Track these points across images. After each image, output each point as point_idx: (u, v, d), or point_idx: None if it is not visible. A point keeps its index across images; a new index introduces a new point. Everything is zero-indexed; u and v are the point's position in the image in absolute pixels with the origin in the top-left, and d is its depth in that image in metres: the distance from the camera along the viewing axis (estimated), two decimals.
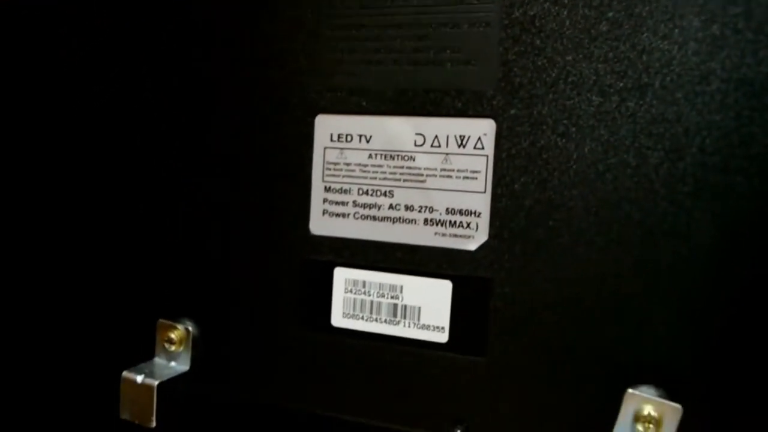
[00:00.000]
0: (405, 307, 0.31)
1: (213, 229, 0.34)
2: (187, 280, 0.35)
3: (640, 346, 0.28)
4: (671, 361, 0.27)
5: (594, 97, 0.28)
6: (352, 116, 0.31)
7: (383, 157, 0.31)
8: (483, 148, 0.29)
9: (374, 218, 0.31)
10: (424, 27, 0.30)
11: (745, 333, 0.26)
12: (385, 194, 0.31)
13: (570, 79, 0.28)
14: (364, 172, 0.31)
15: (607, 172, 0.28)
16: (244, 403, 0.35)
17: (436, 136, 0.30)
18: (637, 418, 0.27)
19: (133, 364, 0.34)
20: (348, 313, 0.32)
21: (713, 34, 0.26)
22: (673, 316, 0.27)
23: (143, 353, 0.35)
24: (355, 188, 0.32)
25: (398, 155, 0.31)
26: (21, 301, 0.39)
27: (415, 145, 0.30)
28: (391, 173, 0.31)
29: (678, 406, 0.26)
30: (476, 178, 0.30)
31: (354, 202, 0.32)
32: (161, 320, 0.35)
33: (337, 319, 0.32)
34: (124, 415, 0.33)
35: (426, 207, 0.30)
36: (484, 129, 0.29)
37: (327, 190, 0.32)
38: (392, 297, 0.31)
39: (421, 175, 0.30)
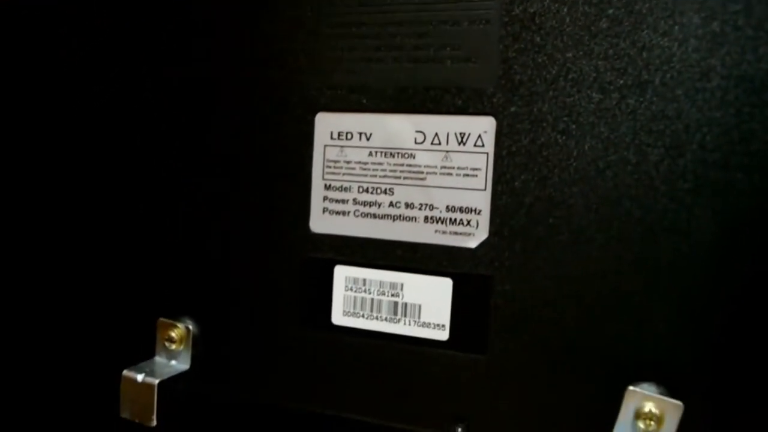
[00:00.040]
0: (405, 304, 0.31)
1: (213, 227, 0.34)
2: (187, 278, 0.35)
3: (640, 343, 0.28)
4: (672, 358, 0.27)
5: (594, 94, 0.28)
6: (353, 114, 0.31)
7: (383, 154, 0.31)
8: (483, 145, 0.29)
9: (374, 216, 0.31)
10: (424, 24, 0.30)
11: (745, 330, 0.26)
12: (385, 192, 0.31)
13: (570, 76, 0.28)
14: (365, 169, 0.31)
15: (607, 169, 0.28)
16: (244, 402, 0.35)
17: (437, 134, 0.30)
18: (638, 415, 0.27)
19: (134, 363, 0.34)
20: (348, 311, 0.32)
21: (713, 31, 0.26)
22: (673, 313, 0.27)
23: (143, 352, 0.35)
24: (355, 186, 0.32)
25: (398, 153, 0.31)
26: (21, 301, 0.39)
27: (416, 142, 0.30)
28: (391, 171, 0.31)
29: (679, 403, 0.26)
30: (476, 176, 0.30)
31: (354, 199, 0.32)
32: (161, 319, 0.35)
33: (338, 318, 0.32)
34: (125, 414, 0.33)
35: (426, 205, 0.30)
36: (484, 126, 0.29)
37: (327, 188, 0.32)
38: (393, 295, 0.31)
39: (422, 172, 0.30)
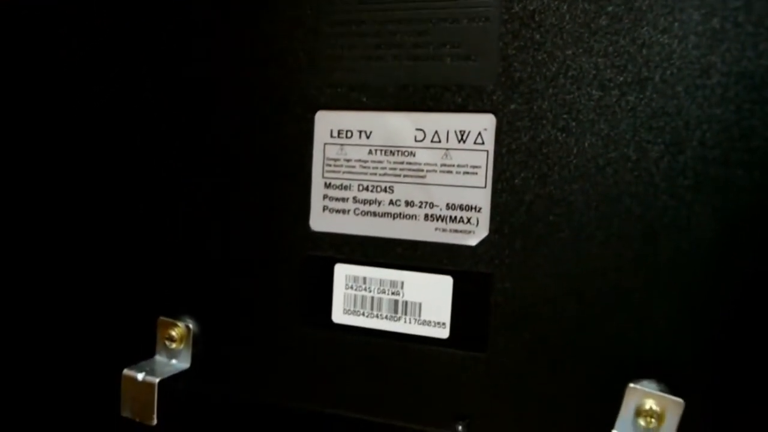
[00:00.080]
0: (406, 303, 0.31)
1: (213, 226, 0.34)
2: (188, 277, 0.35)
3: (641, 340, 0.27)
4: (673, 356, 0.27)
5: (594, 92, 0.27)
6: (352, 112, 0.31)
7: (383, 152, 0.31)
8: (483, 143, 0.29)
9: (374, 214, 0.31)
10: (423, 22, 0.30)
11: (746, 326, 0.26)
12: (385, 190, 0.31)
13: (570, 74, 0.28)
14: (364, 168, 0.31)
15: (607, 166, 0.28)
16: (244, 401, 0.35)
17: (436, 132, 0.30)
18: (639, 412, 0.27)
19: (134, 362, 0.34)
20: (349, 310, 0.32)
21: (713, 28, 0.26)
22: (674, 310, 0.27)
23: (144, 351, 0.35)
24: (355, 184, 0.32)
25: (398, 151, 0.31)
26: (22, 300, 0.39)
27: (416, 140, 0.30)
28: (391, 169, 0.31)
29: (680, 400, 0.26)
30: (476, 174, 0.30)
31: (354, 198, 0.32)
32: (162, 318, 0.35)
33: (338, 316, 0.32)
34: (125, 413, 0.33)
35: (426, 202, 0.30)
36: (484, 124, 0.29)
37: (327, 186, 0.32)
38: (393, 293, 0.31)
39: (422, 170, 0.30)
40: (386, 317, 0.31)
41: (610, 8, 0.27)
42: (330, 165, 0.32)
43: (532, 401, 0.29)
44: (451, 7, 0.29)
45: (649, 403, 0.27)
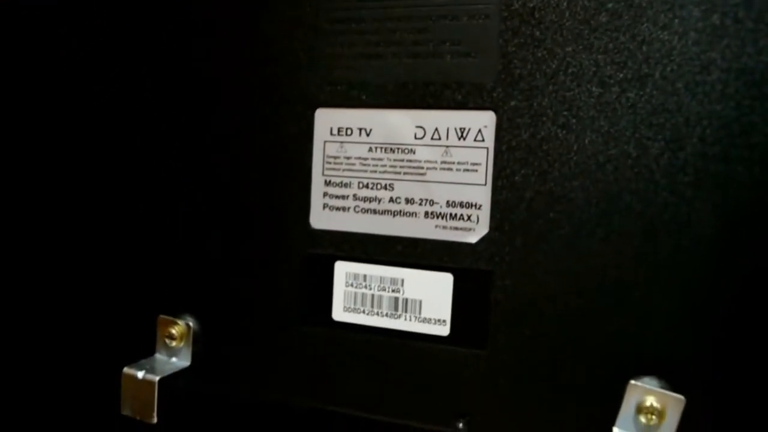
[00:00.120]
0: (406, 300, 0.31)
1: (213, 224, 0.34)
2: (188, 275, 0.35)
3: (642, 338, 0.27)
4: (673, 352, 0.27)
5: (594, 88, 0.27)
6: (352, 110, 0.31)
7: (383, 150, 0.31)
8: (483, 140, 0.29)
9: (375, 212, 0.31)
10: (423, 20, 0.30)
11: (747, 323, 0.26)
12: (385, 187, 0.31)
13: (570, 71, 0.28)
14: (365, 165, 0.31)
15: (607, 163, 0.28)
16: (245, 399, 0.35)
17: (437, 129, 0.30)
18: (640, 409, 0.27)
19: (134, 360, 0.34)
20: (349, 307, 0.32)
21: (713, 24, 0.26)
22: (674, 307, 0.27)
23: (144, 349, 0.35)
24: (355, 182, 0.32)
25: (398, 148, 0.31)
26: (22, 298, 0.39)
27: (416, 138, 0.30)
28: (391, 166, 0.31)
29: (680, 397, 0.26)
30: (477, 171, 0.29)
31: (354, 195, 0.32)
32: (162, 316, 0.35)
33: (338, 313, 0.32)
34: (125, 411, 0.33)
35: (426, 200, 0.30)
36: (484, 121, 0.29)
37: (327, 183, 0.32)
38: (393, 290, 0.31)
39: (422, 168, 0.30)
40: (386, 315, 0.31)
41: (609, 5, 0.27)
42: (330, 162, 0.32)
43: (533, 398, 0.29)
44: (451, 4, 0.29)
45: (650, 400, 0.27)
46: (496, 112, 0.29)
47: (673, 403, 0.26)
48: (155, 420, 0.33)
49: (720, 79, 0.26)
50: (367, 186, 0.31)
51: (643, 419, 0.27)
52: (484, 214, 0.30)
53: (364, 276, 0.32)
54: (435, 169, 0.30)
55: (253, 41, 0.33)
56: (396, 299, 0.31)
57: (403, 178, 0.31)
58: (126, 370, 0.33)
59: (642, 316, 0.27)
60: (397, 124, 0.31)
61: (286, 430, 0.35)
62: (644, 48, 0.27)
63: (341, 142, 0.32)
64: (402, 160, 0.31)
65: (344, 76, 0.31)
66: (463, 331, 0.30)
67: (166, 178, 0.35)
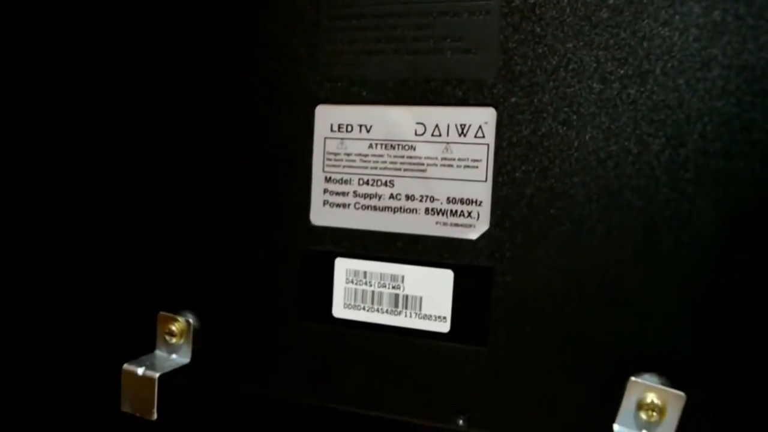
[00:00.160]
0: (406, 297, 0.31)
1: (213, 221, 0.34)
2: (188, 272, 0.35)
3: (642, 334, 0.27)
4: (674, 349, 0.27)
5: (595, 85, 0.27)
6: (353, 106, 0.31)
7: (384, 146, 0.31)
8: (484, 136, 0.29)
9: (375, 208, 0.31)
10: (424, 16, 0.30)
11: (747, 320, 0.26)
12: (385, 184, 0.31)
13: (571, 67, 0.28)
14: (365, 162, 0.31)
15: (608, 159, 0.28)
16: (245, 395, 0.35)
17: (437, 125, 0.30)
18: (641, 406, 0.27)
19: (134, 357, 0.34)
20: (349, 304, 0.32)
21: (714, 20, 0.26)
22: (675, 304, 0.27)
23: (144, 346, 0.35)
24: (355, 178, 0.32)
25: (399, 145, 0.31)
26: (22, 294, 0.39)
27: (416, 134, 0.30)
28: (391, 163, 0.31)
29: (681, 393, 0.26)
30: (477, 167, 0.29)
31: (354, 192, 0.32)
32: (162, 313, 0.35)
33: (338, 310, 0.32)
34: (125, 408, 0.33)
35: (427, 196, 0.30)
36: (484, 117, 0.29)
37: (327, 180, 0.32)
38: (393, 287, 0.31)
39: (422, 164, 0.30)
40: (387, 311, 0.31)
41: (610, 1, 0.27)
42: (330, 159, 0.32)
43: (533, 395, 0.29)
44: (452, 0, 0.29)
45: (651, 397, 0.27)
46: (496, 108, 0.29)
47: (674, 400, 0.26)
48: (155, 417, 0.33)
49: (721, 75, 0.26)
50: (367, 182, 0.31)
51: (643, 416, 0.27)
52: (485, 211, 0.29)
53: (365, 273, 0.32)
54: (435, 165, 0.30)
55: (253, 38, 0.33)
56: (396, 296, 0.31)
57: (404, 175, 0.31)
58: (126, 366, 0.33)
59: (642, 312, 0.27)
60: (398, 120, 0.31)
61: (286, 427, 0.35)
62: (645, 44, 0.27)
63: (341, 139, 0.32)
64: (402, 157, 0.31)
65: (345, 72, 0.31)
66: (464, 327, 0.30)
67: (167, 174, 0.35)
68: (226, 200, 0.34)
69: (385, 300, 0.31)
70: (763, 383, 0.26)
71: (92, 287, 0.37)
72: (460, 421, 0.30)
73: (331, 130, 0.32)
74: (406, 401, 0.31)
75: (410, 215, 0.31)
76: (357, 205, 0.32)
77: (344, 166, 0.32)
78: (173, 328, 0.34)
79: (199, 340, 0.35)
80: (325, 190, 0.32)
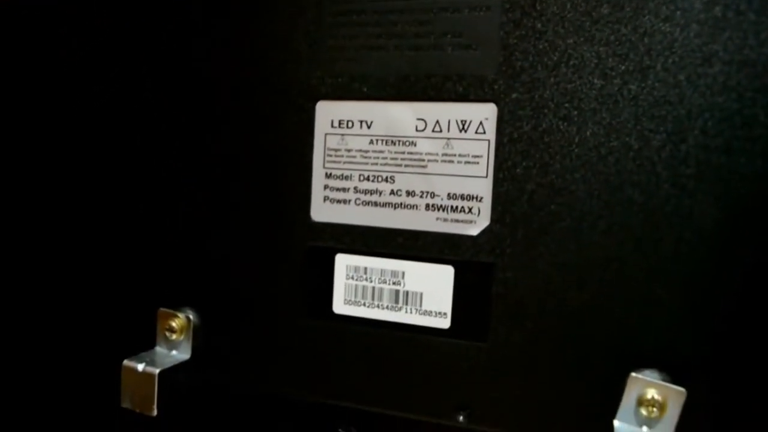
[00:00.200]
0: (407, 293, 0.31)
1: (214, 217, 0.34)
2: (188, 268, 0.35)
3: (643, 330, 0.27)
4: (675, 345, 0.27)
5: (596, 80, 0.27)
6: (353, 102, 0.31)
7: (384, 142, 0.31)
8: (484, 132, 0.29)
9: (375, 204, 0.31)
10: (425, 12, 0.30)
11: (748, 316, 0.26)
12: (386, 180, 0.31)
13: (571, 63, 0.28)
14: (365, 158, 0.31)
15: (609, 155, 0.27)
16: (245, 392, 0.35)
17: (438, 121, 0.30)
18: (641, 401, 0.27)
19: (134, 353, 0.34)
20: (349, 300, 0.32)
21: (715, 16, 0.26)
22: (676, 299, 0.27)
23: (144, 342, 0.35)
24: (356, 174, 0.32)
25: (399, 141, 0.31)
26: (24, 291, 0.39)
27: (417, 130, 0.30)
28: (392, 159, 0.31)
29: (681, 389, 0.26)
30: (478, 163, 0.29)
31: (355, 188, 0.32)
32: (162, 309, 0.35)
33: (339, 306, 0.32)
34: (125, 404, 0.33)
35: (427, 192, 0.30)
36: (485, 113, 0.29)
37: (328, 176, 0.32)
38: (394, 283, 0.31)
39: (423, 160, 0.30)
40: (387, 307, 0.31)
41: None
42: (331, 155, 0.32)
43: (534, 391, 0.29)
44: None
45: (651, 393, 0.27)
46: (497, 104, 0.29)
47: (674, 396, 0.26)
48: (155, 413, 0.33)
49: (722, 71, 0.26)
50: (368, 178, 0.31)
51: (644, 412, 0.27)
52: (485, 207, 0.29)
53: (365, 269, 0.32)
54: (436, 161, 0.30)
55: (253, 34, 0.33)
56: (397, 292, 0.31)
57: (404, 171, 0.31)
58: (126, 362, 0.33)
59: (643, 308, 0.27)
60: (398, 116, 0.31)
61: (286, 423, 0.35)
62: (646, 40, 0.27)
63: (342, 135, 0.32)
64: (403, 153, 0.31)
65: (345, 68, 0.31)
66: (464, 323, 0.30)
67: (167, 171, 0.35)
68: (227, 197, 0.34)
69: (386, 296, 0.31)
70: (763, 379, 0.26)
71: (93, 283, 0.37)
72: (461, 417, 0.30)
73: (332, 126, 0.32)
74: (407, 397, 0.31)
75: (411, 211, 0.31)
76: (357, 201, 0.32)
77: (345, 162, 0.32)
78: (173, 324, 0.34)
79: (200, 336, 0.35)
80: (326, 186, 0.32)
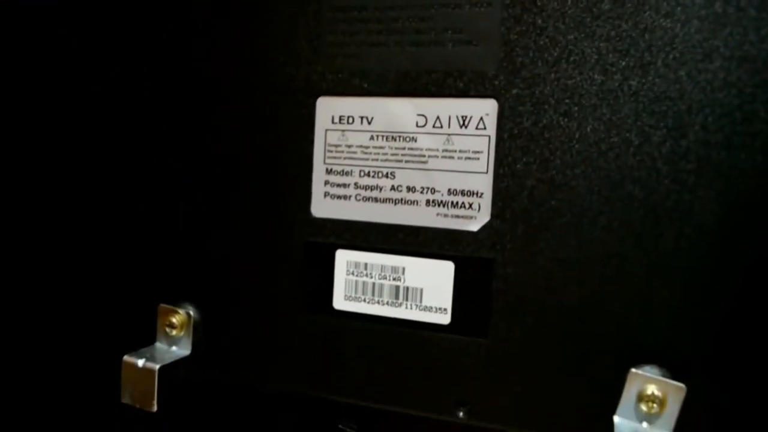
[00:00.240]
0: (407, 288, 0.31)
1: (214, 213, 0.34)
2: (188, 264, 0.35)
3: (643, 326, 0.27)
4: (675, 341, 0.27)
5: (596, 76, 0.27)
6: (354, 98, 0.31)
7: (385, 138, 0.31)
8: (485, 128, 0.29)
9: (376, 200, 0.31)
10: (425, 8, 0.30)
11: (748, 312, 0.26)
12: (386, 176, 0.31)
13: (572, 58, 0.28)
14: (366, 153, 0.31)
15: (609, 150, 0.28)
16: (245, 387, 0.35)
17: (438, 117, 0.30)
18: (641, 397, 0.27)
19: (134, 349, 0.34)
20: (350, 296, 0.32)
21: (716, 12, 0.26)
22: (676, 295, 0.27)
23: (144, 338, 0.35)
24: (356, 170, 0.32)
25: (400, 136, 0.31)
26: (24, 288, 0.39)
27: (417, 126, 0.30)
28: (392, 155, 0.31)
29: (681, 385, 0.26)
30: (478, 159, 0.29)
31: (355, 183, 0.32)
32: (162, 305, 0.35)
33: (339, 302, 0.32)
34: (125, 399, 0.33)
35: (428, 188, 0.30)
36: (486, 109, 0.29)
37: (328, 172, 0.32)
38: (394, 279, 0.31)
39: (423, 156, 0.30)
40: (387, 303, 0.31)
41: None
42: (331, 151, 0.32)
43: (534, 387, 0.29)
44: None
45: (651, 389, 0.27)
46: (497, 100, 0.29)
47: (674, 392, 0.26)
48: (155, 408, 0.33)
49: (722, 66, 0.26)
50: (368, 174, 0.31)
51: (644, 407, 0.27)
52: (486, 202, 0.29)
53: (365, 264, 0.32)
54: (436, 157, 0.30)
55: (254, 30, 0.33)
56: (397, 287, 0.31)
57: (405, 167, 0.31)
58: (126, 358, 0.33)
59: (643, 304, 0.27)
60: (399, 112, 0.31)
61: (286, 418, 0.35)
62: (647, 36, 0.27)
63: (343, 131, 0.32)
64: (403, 149, 0.31)
65: (346, 64, 0.31)
66: (464, 319, 0.30)
67: (167, 167, 0.35)
68: (227, 193, 0.34)
69: (386, 292, 0.31)
70: (763, 375, 0.26)
71: (93, 279, 0.37)
72: (461, 413, 0.30)
73: (333, 122, 0.32)
74: (407, 393, 0.31)
75: (411, 207, 0.31)
76: (358, 197, 0.32)
77: (345, 158, 0.32)
78: (173, 320, 0.34)
79: (200, 332, 0.35)
80: (326, 182, 0.32)
